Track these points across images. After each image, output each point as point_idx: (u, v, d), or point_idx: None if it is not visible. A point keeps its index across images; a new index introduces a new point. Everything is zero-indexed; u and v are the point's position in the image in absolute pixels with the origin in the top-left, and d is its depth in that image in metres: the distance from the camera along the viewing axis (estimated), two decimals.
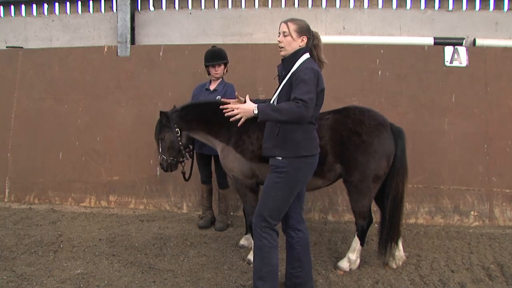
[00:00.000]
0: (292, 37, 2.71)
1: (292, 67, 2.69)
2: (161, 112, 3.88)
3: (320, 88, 2.67)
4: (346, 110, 3.51)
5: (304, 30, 2.74)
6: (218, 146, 3.73)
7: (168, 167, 3.94)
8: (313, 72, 2.62)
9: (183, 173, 4.13)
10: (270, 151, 2.79)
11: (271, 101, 2.82)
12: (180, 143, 3.87)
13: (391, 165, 3.35)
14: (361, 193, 3.35)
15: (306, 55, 2.74)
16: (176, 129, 3.83)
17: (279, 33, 2.76)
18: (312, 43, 2.80)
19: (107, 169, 5.46)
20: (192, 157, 4.24)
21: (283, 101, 2.66)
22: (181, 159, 3.98)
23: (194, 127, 3.83)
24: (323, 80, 2.71)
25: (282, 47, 2.74)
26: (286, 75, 2.72)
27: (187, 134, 3.92)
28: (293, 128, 2.68)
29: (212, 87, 4.43)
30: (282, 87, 2.74)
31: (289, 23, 2.73)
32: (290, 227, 2.91)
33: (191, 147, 4.12)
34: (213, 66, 4.35)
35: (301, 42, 2.73)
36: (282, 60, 2.79)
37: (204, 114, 3.76)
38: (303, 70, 2.62)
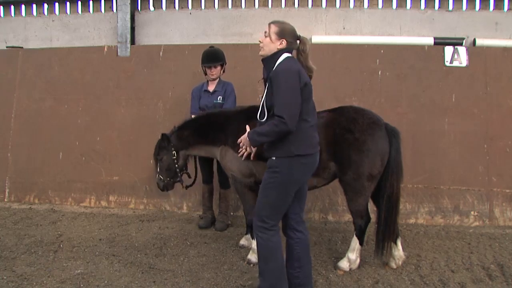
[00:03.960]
0: (270, 38, 2.73)
1: (273, 68, 2.71)
2: (162, 135, 3.95)
3: (302, 83, 2.64)
4: (340, 109, 3.54)
5: (286, 33, 2.73)
6: (217, 150, 3.77)
7: (164, 187, 4.04)
8: (289, 72, 2.61)
9: (186, 187, 4.16)
10: (266, 151, 2.81)
11: (261, 105, 2.84)
12: (176, 165, 3.95)
13: (386, 165, 3.35)
14: (356, 192, 3.36)
15: (285, 55, 2.72)
16: (173, 152, 3.91)
17: (264, 32, 2.80)
18: (298, 48, 2.79)
19: (107, 169, 5.46)
20: (194, 177, 4.25)
21: (271, 103, 2.67)
22: (178, 180, 4.05)
23: (192, 142, 3.91)
24: (304, 74, 2.69)
25: (261, 47, 2.78)
26: (268, 77, 2.74)
27: (186, 154, 4.00)
28: None
29: (211, 88, 4.43)
30: (267, 91, 2.75)
31: (271, 25, 2.77)
32: (289, 227, 2.91)
33: (187, 168, 4.17)
34: (209, 67, 4.36)
35: (279, 45, 2.73)
36: (262, 60, 2.82)
37: (199, 127, 3.87)
38: (279, 73, 2.62)
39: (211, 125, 3.79)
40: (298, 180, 2.77)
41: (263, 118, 2.77)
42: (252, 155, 2.94)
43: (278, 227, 2.79)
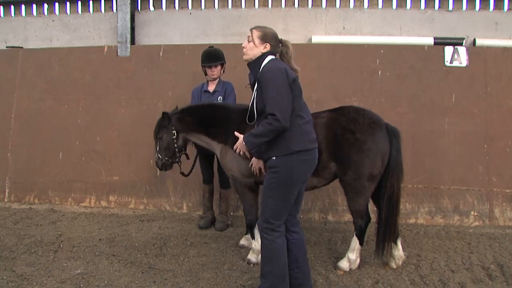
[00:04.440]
0: (254, 43, 2.80)
1: (259, 70, 2.76)
2: (163, 113, 3.95)
3: (291, 79, 2.69)
4: (341, 109, 3.54)
5: (268, 37, 2.81)
6: (217, 147, 3.77)
7: (163, 166, 4.05)
8: (276, 70, 2.67)
9: (182, 173, 4.19)
10: (265, 154, 2.82)
11: (249, 108, 2.88)
12: (175, 145, 3.95)
13: (386, 165, 3.35)
14: (356, 192, 3.35)
15: (270, 57, 2.79)
16: (173, 131, 3.91)
17: (246, 38, 2.87)
18: (281, 52, 2.86)
19: (107, 169, 5.46)
20: (195, 158, 4.31)
21: (261, 106, 2.72)
22: (176, 160, 4.05)
23: (192, 129, 3.91)
24: (291, 71, 2.76)
25: (244, 52, 2.85)
26: (255, 80, 2.80)
27: (185, 137, 3.99)
28: None
29: (211, 89, 4.43)
30: (256, 93, 2.78)
31: (253, 30, 2.84)
32: (286, 230, 2.90)
33: (186, 149, 4.17)
34: (209, 67, 4.36)
35: (263, 49, 2.80)
36: (248, 65, 2.87)
37: (202, 116, 3.85)
38: (265, 73, 2.68)
39: (213, 119, 3.77)
40: (299, 178, 2.78)
41: (252, 121, 2.84)
42: (262, 169, 2.97)
43: (283, 228, 2.80)
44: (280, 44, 2.86)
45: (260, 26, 2.87)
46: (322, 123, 3.41)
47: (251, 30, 2.85)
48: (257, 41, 2.79)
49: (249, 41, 2.82)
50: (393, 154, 3.34)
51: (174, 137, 3.92)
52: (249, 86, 2.97)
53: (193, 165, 4.37)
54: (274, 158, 2.73)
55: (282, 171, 2.70)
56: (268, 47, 2.79)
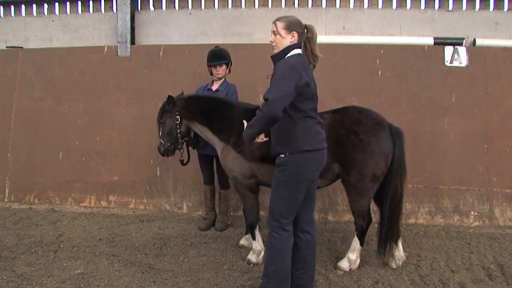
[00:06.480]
0: (281, 35, 2.72)
1: None
2: (168, 97, 3.90)
3: (304, 81, 2.62)
4: (344, 110, 3.53)
5: (294, 25, 2.73)
6: (218, 145, 3.75)
7: (165, 152, 4.01)
8: (288, 66, 2.59)
9: (181, 161, 4.18)
10: (274, 149, 2.80)
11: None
12: (178, 131, 3.91)
13: (390, 166, 3.34)
14: (359, 193, 3.35)
15: (295, 51, 2.72)
16: (177, 117, 3.87)
17: (271, 32, 2.79)
18: (306, 37, 2.79)
19: (107, 169, 5.46)
20: (189, 145, 4.30)
21: None
22: (178, 147, 4.02)
23: (196, 119, 3.87)
24: (307, 72, 2.69)
25: (274, 46, 2.78)
26: None
27: (187, 124, 3.96)
28: (291, 124, 2.69)
29: (214, 88, 4.44)
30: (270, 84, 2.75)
31: (277, 22, 2.75)
32: (299, 228, 2.87)
33: (190, 136, 4.15)
34: (214, 66, 4.36)
35: (291, 38, 2.72)
36: (271, 57, 2.80)
37: (209, 109, 3.80)
38: (277, 67, 2.62)
39: (219, 114, 3.73)
40: (307, 177, 2.75)
41: None
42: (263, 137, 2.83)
43: (291, 228, 2.78)
44: (306, 30, 2.78)
45: (283, 16, 2.79)
46: (325, 124, 3.38)
47: (274, 22, 2.76)
48: (283, 32, 2.71)
49: (275, 34, 2.74)
50: (397, 155, 3.34)
51: (178, 122, 3.88)
52: (270, 77, 2.89)
53: (188, 154, 4.32)
54: (283, 156, 2.72)
55: (291, 169, 2.69)
56: (295, 35, 2.72)
